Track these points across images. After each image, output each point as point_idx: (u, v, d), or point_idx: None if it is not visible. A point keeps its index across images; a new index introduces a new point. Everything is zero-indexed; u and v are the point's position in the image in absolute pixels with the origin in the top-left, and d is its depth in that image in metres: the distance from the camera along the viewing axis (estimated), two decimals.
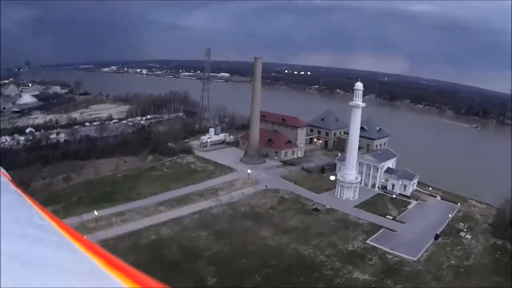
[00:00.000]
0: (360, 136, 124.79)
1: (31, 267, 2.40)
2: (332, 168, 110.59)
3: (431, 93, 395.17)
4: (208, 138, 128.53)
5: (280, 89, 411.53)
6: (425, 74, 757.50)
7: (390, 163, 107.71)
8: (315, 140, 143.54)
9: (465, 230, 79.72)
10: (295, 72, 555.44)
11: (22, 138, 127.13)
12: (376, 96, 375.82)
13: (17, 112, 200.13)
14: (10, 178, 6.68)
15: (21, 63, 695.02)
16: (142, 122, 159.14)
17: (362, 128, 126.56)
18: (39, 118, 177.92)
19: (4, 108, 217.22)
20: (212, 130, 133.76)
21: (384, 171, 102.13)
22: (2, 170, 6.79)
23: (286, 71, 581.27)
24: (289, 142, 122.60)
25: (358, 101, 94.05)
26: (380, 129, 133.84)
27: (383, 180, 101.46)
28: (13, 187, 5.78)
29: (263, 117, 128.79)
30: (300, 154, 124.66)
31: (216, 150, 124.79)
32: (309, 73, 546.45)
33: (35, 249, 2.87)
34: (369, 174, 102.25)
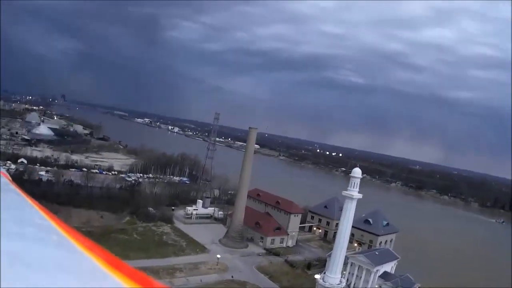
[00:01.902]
0: (363, 230, 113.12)
1: (31, 267, 2.39)
2: (322, 265, 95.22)
3: (459, 184, 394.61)
4: (194, 209, 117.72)
5: (306, 168, 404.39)
6: (458, 164, 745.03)
7: (389, 267, 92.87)
8: (315, 228, 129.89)
9: None
10: (327, 152, 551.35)
11: (13, 166, 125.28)
12: (403, 185, 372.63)
13: (26, 140, 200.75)
14: (10, 178, 6.66)
15: (57, 94, 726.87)
16: (140, 179, 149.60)
17: (367, 221, 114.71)
18: (42, 151, 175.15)
19: (16, 133, 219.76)
20: (200, 202, 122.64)
21: (379, 276, 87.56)
22: (2, 170, 6.77)
23: (318, 150, 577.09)
24: (279, 228, 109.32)
25: (354, 191, 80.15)
26: (387, 223, 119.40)
27: (376, 287, 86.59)
28: (13, 187, 5.75)
29: (257, 196, 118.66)
30: (290, 243, 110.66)
31: (199, 224, 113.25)
32: (340, 154, 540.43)
33: (35, 249, 2.88)
34: (361, 277, 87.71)
